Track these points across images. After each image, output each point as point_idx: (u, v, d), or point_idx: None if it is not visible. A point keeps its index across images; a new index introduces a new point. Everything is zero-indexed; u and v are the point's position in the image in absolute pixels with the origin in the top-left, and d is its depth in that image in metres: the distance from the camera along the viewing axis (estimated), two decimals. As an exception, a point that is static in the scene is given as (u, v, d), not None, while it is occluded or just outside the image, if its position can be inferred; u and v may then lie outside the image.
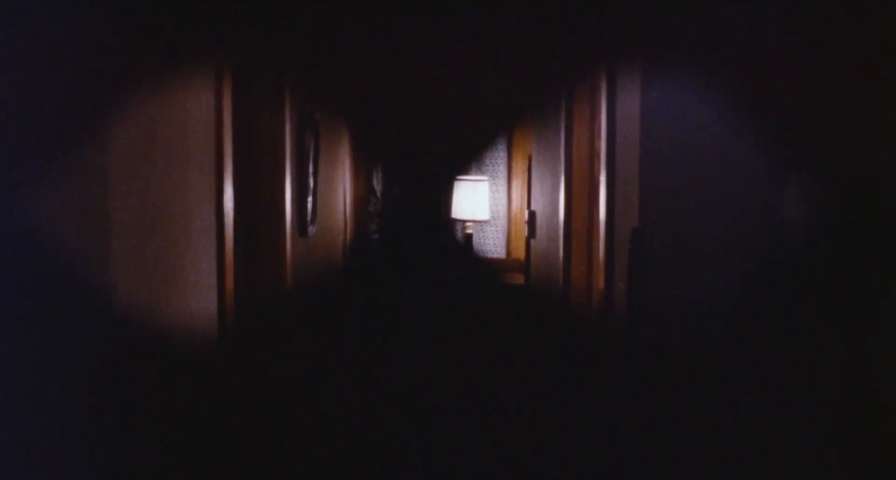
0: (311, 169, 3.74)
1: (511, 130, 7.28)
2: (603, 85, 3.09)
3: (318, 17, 3.05)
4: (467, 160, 7.28)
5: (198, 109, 2.15)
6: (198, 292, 2.14)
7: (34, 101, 1.38)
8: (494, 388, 3.67)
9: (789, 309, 1.68)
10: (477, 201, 7.38)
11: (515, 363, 3.99)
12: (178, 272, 1.98)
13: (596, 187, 3.43)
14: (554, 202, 4.43)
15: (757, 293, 1.85)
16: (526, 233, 5.78)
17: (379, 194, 6.73)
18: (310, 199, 3.74)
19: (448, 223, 7.56)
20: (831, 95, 1.55)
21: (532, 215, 5.46)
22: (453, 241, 7.53)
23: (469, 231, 7.46)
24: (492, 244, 7.83)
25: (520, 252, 7.55)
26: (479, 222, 7.63)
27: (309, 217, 3.70)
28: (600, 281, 3.12)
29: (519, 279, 6.51)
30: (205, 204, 2.19)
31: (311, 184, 3.78)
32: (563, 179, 4.08)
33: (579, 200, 3.89)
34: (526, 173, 6.32)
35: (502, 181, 7.85)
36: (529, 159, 5.90)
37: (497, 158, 7.76)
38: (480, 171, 7.74)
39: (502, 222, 7.83)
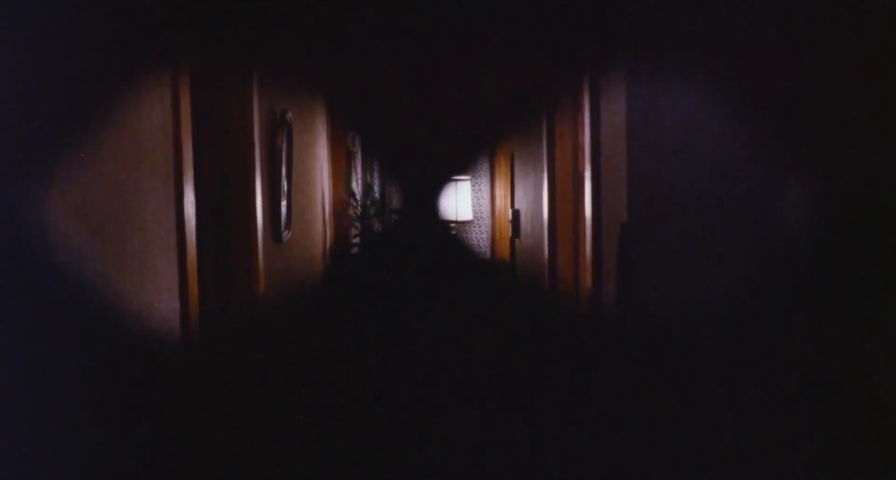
0: (283, 171, 3.59)
1: (495, 130, 7.19)
2: (586, 78, 2.97)
3: (282, 11, 2.91)
4: (451, 163, 7.15)
5: (151, 110, 2.00)
6: (159, 300, 1.99)
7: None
8: (482, 394, 3.54)
9: (785, 308, 1.57)
10: (460, 200, 7.25)
11: (505, 370, 3.87)
12: (136, 279, 1.83)
13: (581, 182, 3.31)
14: (537, 200, 4.30)
15: (750, 291, 1.73)
16: (510, 233, 5.65)
17: (359, 197, 6.58)
18: (284, 203, 3.58)
19: (433, 225, 7.43)
20: (829, 93, 1.44)
21: (516, 213, 5.33)
22: (438, 242, 7.40)
23: (453, 233, 7.33)
24: (476, 245, 7.70)
25: (505, 253, 7.43)
26: (463, 222, 7.50)
27: (283, 222, 3.55)
28: (587, 280, 2.99)
29: (504, 280, 6.39)
30: (162, 210, 2.04)
31: (285, 187, 3.63)
32: (546, 175, 3.96)
33: (563, 196, 3.77)
34: (509, 172, 6.20)
35: (485, 180, 7.73)
36: (512, 157, 5.78)
37: (480, 157, 7.63)
38: (463, 171, 7.61)
39: (486, 222, 7.71)
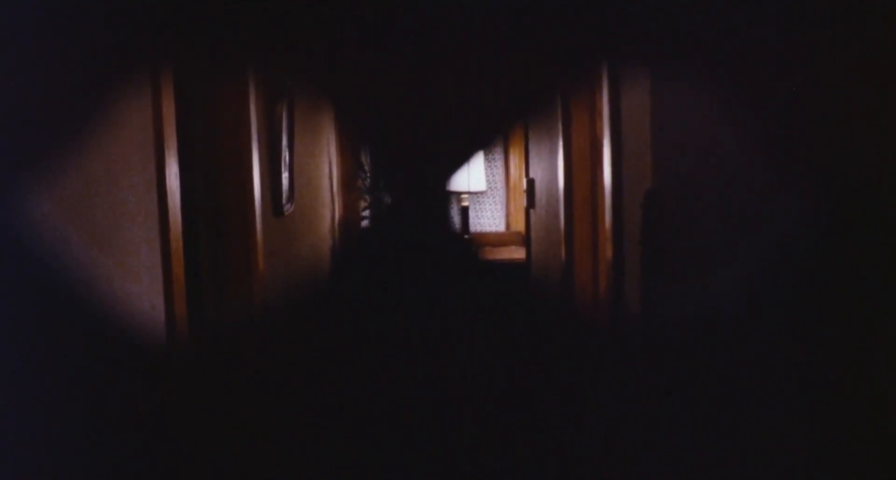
0: (284, 142, 3.40)
1: (510, 110, 6.94)
2: (605, 66, 2.75)
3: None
4: (466, 136, 6.90)
5: (125, 76, 1.82)
6: (139, 282, 1.83)
7: None
8: (494, 389, 3.39)
9: (805, 308, 1.41)
10: (472, 170, 7.02)
11: (518, 358, 3.71)
12: (112, 261, 1.67)
13: (599, 146, 3.10)
14: (553, 166, 4.09)
15: (772, 283, 1.56)
16: (525, 203, 5.44)
17: (368, 169, 6.39)
18: (285, 174, 3.40)
19: (444, 198, 7.22)
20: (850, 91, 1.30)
21: (531, 183, 5.12)
22: (448, 217, 7.20)
23: (465, 204, 7.12)
24: (490, 218, 7.50)
25: (520, 225, 7.23)
26: (476, 193, 7.29)
27: (285, 195, 3.37)
28: (608, 252, 2.80)
29: (519, 255, 6.19)
30: (141, 184, 1.86)
31: (287, 158, 3.44)
32: (560, 140, 3.74)
33: (580, 163, 3.56)
34: (523, 141, 5.97)
35: (499, 150, 7.51)
36: (526, 127, 5.55)
37: (495, 137, 7.40)
38: (476, 143, 7.38)
39: (500, 193, 7.50)
